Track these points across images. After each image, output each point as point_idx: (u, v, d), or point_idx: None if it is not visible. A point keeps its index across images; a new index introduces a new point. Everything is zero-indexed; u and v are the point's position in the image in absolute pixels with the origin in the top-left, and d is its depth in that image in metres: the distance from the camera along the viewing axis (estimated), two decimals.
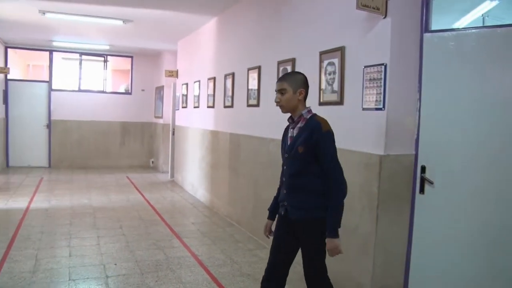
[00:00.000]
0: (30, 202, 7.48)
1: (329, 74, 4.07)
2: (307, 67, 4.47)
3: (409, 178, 3.55)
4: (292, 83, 2.81)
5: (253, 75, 5.78)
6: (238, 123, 6.32)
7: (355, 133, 3.78)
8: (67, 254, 4.91)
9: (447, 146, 3.38)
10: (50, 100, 12.02)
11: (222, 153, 6.94)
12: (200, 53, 8.48)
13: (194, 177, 8.59)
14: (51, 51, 12.03)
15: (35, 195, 8.14)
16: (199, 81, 8.35)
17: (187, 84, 9.29)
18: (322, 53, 4.18)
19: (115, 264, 4.62)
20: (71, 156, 12.26)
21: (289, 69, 4.80)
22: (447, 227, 3.40)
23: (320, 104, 4.23)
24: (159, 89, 12.12)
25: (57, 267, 4.49)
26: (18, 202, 7.45)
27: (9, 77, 11.65)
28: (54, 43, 11.14)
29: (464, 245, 3.34)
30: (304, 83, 2.86)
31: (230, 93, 6.60)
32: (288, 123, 2.98)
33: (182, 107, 9.64)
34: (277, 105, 2.90)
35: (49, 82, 12.09)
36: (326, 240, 2.76)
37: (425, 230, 3.50)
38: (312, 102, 4.34)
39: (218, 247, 5.30)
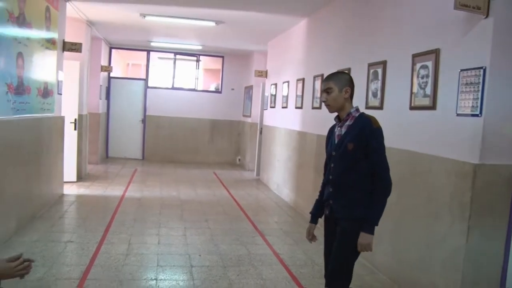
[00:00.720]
0: (125, 191, 8.01)
1: (422, 77, 3.92)
2: (399, 69, 4.35)
3: (507, 191, 3.32)
4: (338, 82, 2.83)
5: None
6: (326, 125, 6.26)
7: (447, 139, 3.61)
8: (156, 241, 5.21)
9: None
10: (146, 97, 12.76)
11: (308, 154, 6.95)
12: (289, 54, 8.54)
13: (279, 176, 8.68)
14: (148, 51, 12.75)
15: (130, 185, 8.70)
16: (288, 81, 8.42)
17: (276, 84, 9.40)
18: (415, 56, 4.04)
19: (200, 255, 4.81)
20: (162, 150, 12.92)
21: (380, 72, 4.70)
22: None
23: (411, 108, 4.10)
24: (248, 89, 12.38)
25: (147, 253, 4.79)
26: (115, 190, 8.01)
27: (111, 75, 12.56)
28: (152, 44, 11.80)
29: None
30: (349, 81, 2.87)
31: (318, 95, 6.58)
32: (334, 123, 3.01)
33: (270, 107, 9.77)
34: (324, 104, 2.92)
35: (146, 80, 12.84)
36: (360, 233, 2.73)
37: None
38: (402, 106, 4.23)
39: (300, 247, 5.32)
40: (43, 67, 5.97)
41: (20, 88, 5.07)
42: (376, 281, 4.35)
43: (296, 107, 7.74)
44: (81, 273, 4.09)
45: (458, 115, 3.47)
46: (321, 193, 3.12)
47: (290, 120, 8.12)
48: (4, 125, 4.65)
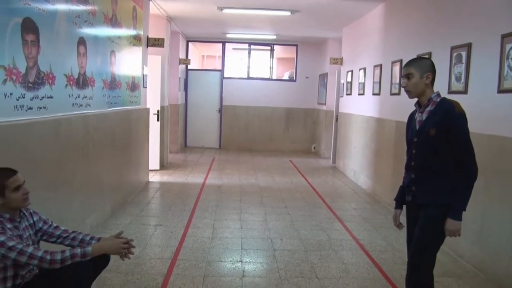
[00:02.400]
0: (205, 179, 8.36)
1: None
2: (486, 52, 4.21)
3: None
4: (419, 67, 2.79)
5: None
6: (405, 111, 6.16)
7: None
8: (239, 226, 5.44)
9: None
10: (222, 87, 13.11)
11: (386, 141, 6.87)
12: (365, 40, 8.43)
13: (356, 163, 8.64)
14: (223, 43, 13.07)
15: (209, 172, 9.06)
16: (364, 68, 8.33)
17: (352, 71, 9.32)
18: (504, 36, 3.87)
19: (281, 240, 4.98)
20: (239, 139, 13.25)
21: (464, 55, 4.56)
22: None
23: (500, 91, 3.95)
24: (323, 76, 12.34)
25: (230, 237, 5.03)
26: (195, 178, 8.38)
27: (188, 67, 13.03)
28: (227, 35, 12.08)
29: None
30: (431, 67, 2.81)
31: (397, 80, 6.48)
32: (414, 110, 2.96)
33: (346, 94, 9.70)
34: (404, 90, 2.88)
35: (222, 71, 13.18)
36: (447, 220, 2.70)
37: None
38: (489, 89, 4.10)
39: (379, 233, 5.33)
40: (130, 63, 6.39)
41: (113, 83, 5.48)
42: (459, 269, 4.28)
43: (374, 94, 7.66)
44: (171, 254, 4.40)
45: None
46: (405, 179, 3.13)
47: (367, 107, 8.05)
48: (101, 117, 5.06)
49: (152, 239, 4.88)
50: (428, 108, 2.81)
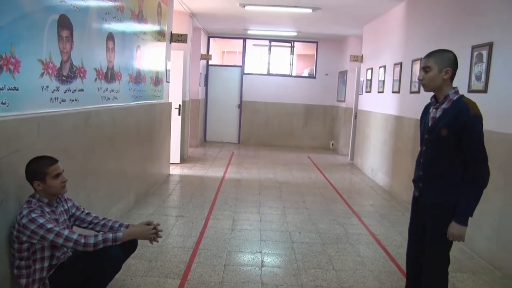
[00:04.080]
0: (225, 173, 8.51)
1: None
2: (507, 51, 4.23)
3: None
4: (438, 61, 2.66)
5: None
6: None
7: None
8: (258, 219, 5.57)
9: None
10: (242, 83, 13.24)
11: (406, 139, 6.92)
12: (386, 38, 8.46)
13: (374, 161, 8.70)
14: (244, 39, 13.19)
15: (228, 167, 9.20)
16: (384, 66, 8.36)
17: (371, 69, 9.36)
18: None
19: (299, 233, 5.09)
20: (258, 135, 13.38)
21: (485, 54, 4.60)
22: None
23: None
24: (343, 74, 12.37)
25: (250, 228, 5.16)
26: (215, 172, 8.54)
27: (209, 63, 13.18)
28: (248, 32, 12.19)
29: None
30: (452, 61, 2.67)
31: (417, 79, 6.52)
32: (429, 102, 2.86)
33: (366, 92, 9.74)
34: (420, 83, 2.78)
35: (242, 66, 13.31)
36: (451, 223, 2.62)
37: None
38: (511, 88, 4.12)
39: (396, 229, 5.41)
40: (155, 58, 6.56)
41: (138, 77, 5.66)
42: (476, 266, 4.34)
43: (393, 92, 7.70)
44: (193, 243, 4.56)
45: None
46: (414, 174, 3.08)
47: (386, 105, 8.09)
48: (126, 110, 5.24)
49: (174, 229, 5.04)
50: (443, 106, 2.69)
